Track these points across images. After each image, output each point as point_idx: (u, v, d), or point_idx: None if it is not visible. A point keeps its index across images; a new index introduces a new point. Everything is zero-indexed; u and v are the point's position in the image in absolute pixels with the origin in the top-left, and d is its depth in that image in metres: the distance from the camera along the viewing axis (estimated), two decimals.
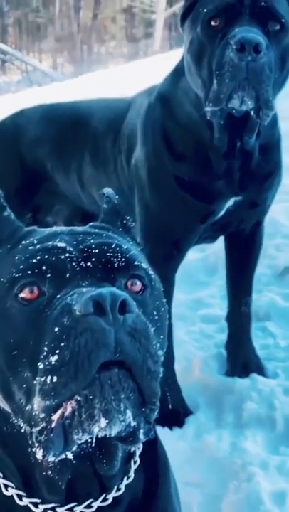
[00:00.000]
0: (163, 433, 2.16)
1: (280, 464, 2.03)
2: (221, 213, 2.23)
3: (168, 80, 2.27)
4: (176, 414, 2.28)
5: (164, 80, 2.30)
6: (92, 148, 2.52)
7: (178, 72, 2.18)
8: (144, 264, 1.02)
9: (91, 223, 1.15)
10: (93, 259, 0.97)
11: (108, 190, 1.23)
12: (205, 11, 1.96)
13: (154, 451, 1.16)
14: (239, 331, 2.55)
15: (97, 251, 0.98)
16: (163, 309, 1.04)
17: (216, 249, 3.07)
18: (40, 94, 11.22)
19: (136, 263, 1.00)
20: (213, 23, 1.94)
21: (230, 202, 2.21)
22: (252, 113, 1.92)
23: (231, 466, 2.02)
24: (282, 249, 3.29)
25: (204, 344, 2.74)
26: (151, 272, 1.03)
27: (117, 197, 1.22)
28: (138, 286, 0.99)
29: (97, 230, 1.08)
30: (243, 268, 2.51)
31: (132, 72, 12.11)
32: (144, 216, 2.27)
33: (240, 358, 2.53)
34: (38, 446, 0.88)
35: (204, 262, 3.33)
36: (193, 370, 2.54)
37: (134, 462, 1.07)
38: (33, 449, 0.89)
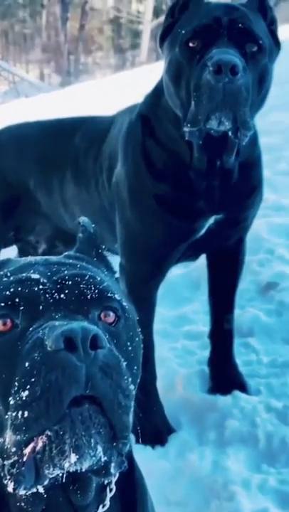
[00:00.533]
0: (145, 452, 2.17)
1: (261, 482, 2.03)
2: (202, 232, 2.24)
3: (148, 99, 2.28)
4: (158, 433, 2.28)
5: (145, 99, 2.32)
6: (74, 166, 2.53)
7: (158, 92, 2.20)
8: (118, 296, 1.03)
9: (66, 253, 1.16)
10: (66, 291, 0.98)
11: (84, 219, 1.24)
12: (183, 32, 1.99)
13: (130, 478, 1.16)
14: (222, 348, 2.55)
15: (70, 282, 0.99)
16: (137, 339, 1.05)
17: (199, 265, 3.08)
18: (28, 106, 11.26)
19: (109, 295, 1.01)
20: (191, 45, 1.96)
21: (211, 220, 2.22)
22: (230, 133, 1.94)
23: (213, 485, 2.02)
24: (265, 264, 3.31)
25: (187, 361, 2.75)
26: (124, 303, 1.04)
27: (92, 225, 1.23)
28: (111, 317, 1.00)
29: (71, 261, 1.09)
30: (226, 285, 2.52)
31: (118, 83, 12.15)
32: (125, 235, 2.28)
33: (223, 375, 2.53)
34: (9, 479, 0.88)
35: (187, 277, 3.34)
36: (176, 387, 2.54)
37: (110, 490, 1.07)
38: (5, 482, 0.89)
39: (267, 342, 2.84)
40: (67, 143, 2.57)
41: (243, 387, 2.51)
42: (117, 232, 2.31)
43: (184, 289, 3.33)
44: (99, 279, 1.03)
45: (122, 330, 1.01)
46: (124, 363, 0.93)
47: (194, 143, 2.05)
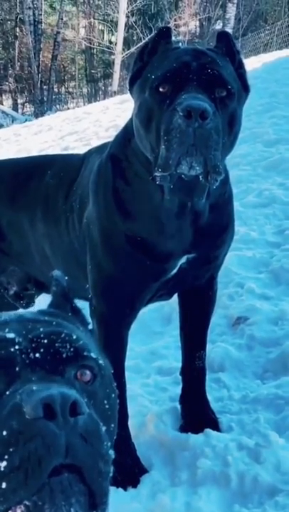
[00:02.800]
0: (117, 494, 2.14)
1: None
2: (174, 271, 2.25)
3: (118, 140, 2.30)
4: (131, 475, 2.25)
5: (115, 139, 2.33)
6: (44, 205, 2.53)
7: (127, 132, 2.21)
8: (94, 353, 1.03)
9: (41, 309, 1.16)
10: (42, 350, 0.98)
11: (57, 273, 1.25)
12: (153, 77, 2.01)
13: None
14: (193, 385, 2.55)
15: (46, 341, 0.99)
16: (113, 395, 1.06)
17: (171, 299, 3.09)
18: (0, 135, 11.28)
19: (85, 353, 1.01)
20: (161, 89, 1.98)
21: (183, 260, 2.23)
22: (200, 177, 1.96)
23: None
24: (235, 298, 3.34)
25: (159, 398, 2.74)
26: (101, 361, 1.04)
27: (66, 278, 1.24)
28: (88, 376, 1.00)
29: (46, 318, 1.09)
30: (197, 323, 2.52)
31: (90, 112, 12.24)
32: (97, 275, 2.28)
33: (195, 413, 2.53)
34: None
35: (159, 312, 3.35)
36: (148, 425, 2.53)
37: None
38: None
39: (238, 377, 2.85)
40: (38, 182, 2.57)
41: (215, 425, 2.50)
42: (88, 272, 2.31)
43: (155, 323, 3.34)
44: (74, 337, 1.02)
45: (99, 388, 1.01)
46: (104, 428, 0.92)
47: (165, 186, 2.06)
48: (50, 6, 33.55)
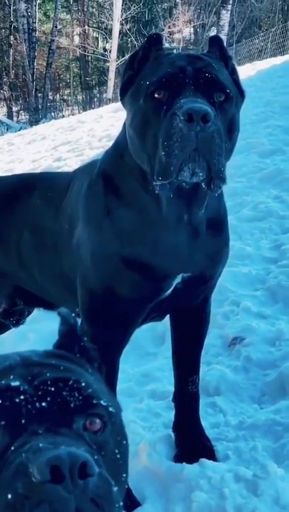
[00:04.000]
0: None
1: None
2: (169, 291, 2.15)
3: (109, 156, 2.20)
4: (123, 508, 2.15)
5: (105, 156, 2.23)
6: (32, 225, 2.44)
7: (119, 147, 2.12)
8: (104, 401, 0.97)
9: (48, 350, 1.10)
10: (49, 399, 0.92)
11: (64, 311, 1.19)
12: (147, 83, 1.92)
13: None
14: (187, 412, 2.45)
15: (53, 389, 0.93)
16: (125, 443, 1.00)
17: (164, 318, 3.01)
18: None
19: (94, 401, 0.95)
20: (156, 95, 1.89)
21: (178, 279, 2.13)
22: (203, 184, 1.86)
23: None
24: (231, 317, 3.24)
25: (152, 424, 2.64)
26: (111, 408, 0.98)
27: (73, 315, 1.18)
28: (97, 425, 0.94)
29: (53, 361, 1.02)
30: (190, 346, 2.43)
31: (84, 121, 12.18)
32: (88, 298, 2.18)
33: (189, 441, 2.43)
34: None
35: (152, 331, 3.25)
36: (140, 455, 2.42)
37: None
38: None
39: (234, 401, 2.75)
40: (24, 202, 2.48)
41: (211, 454, 2.41)
42: (78, 296, 2.21)
43: (148, 343, 3.24)
44: (83, 384, 0.96)
45: (109, 436, 0.96)
46: (115, 486, 0.86)
47: (163, 197, 1.97)
48: (45, 14, 33.63)
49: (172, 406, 2.54)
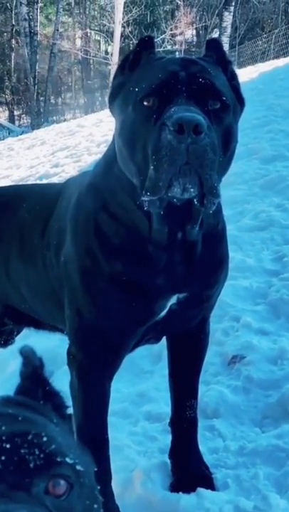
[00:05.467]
0: None
1: None
2: (163, 313, 2.01)
3: (99, 168, 2.06)
4: None
5: (95, 168, 2.10)
6: (20, 240, 2.32)
7: (109, 159, 1.97)
8: (70, 458, 0.83)
9: (6, 396, 0.95)
10: (3, 458, 0.78)
11: (26, 350, 1.04)
12: (137, 89, 1.76)
13: None
14: (184, 438, 2.33)
15: (8, 445, 0.79)
16: (96, 507, 0.86)
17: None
18: None
19: (58, 459, 0.82)
20: (146, 103, 1.73)
21: (173, 300, 1.99)
22: (195, 201, 1.71)
23: None
24: (231, 333, 3.10)
25: (147, 448, 2.51)
26: (79, 467, 0.84)
27: (38, 356, 1.03)
28: (62, 488, 0.81)
29: (11, 411, 0.88)
30: (188, 369, 2.30)
31: (84, 125, 12.10)
32: (76, 320, 2.05)
33: (186, 469, 2.30)
34: None
35: (148, 349, 3.10)
36: (134, 483, 2.30)
37: None
38: None
39: (234, 424, 2.62)
40: (12, 215, 2.37)
41: (209, 482, 2.28)
42: (66, 317, 2.09)
43: (144, 361, 3.11)
44: (45, 438, 0.83)
45: (77, 501, 0.82)
46: None
47: (154, 213, 1.82)
48: (46, 18, 33.60)
49: (169, 429, 2.42)
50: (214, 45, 1.93)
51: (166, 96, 1.70)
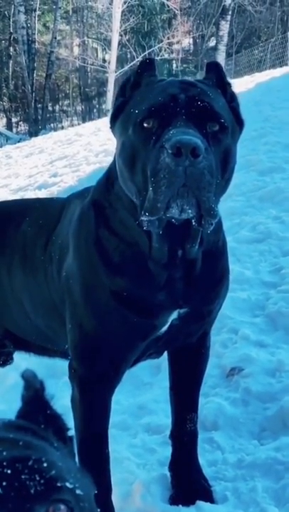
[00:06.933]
0: None
1: None
2: (165, 328, 2.04)
3: (101, 184, 2.09)
4: None
5: (97, 184, 2.13)
6: (22, 254, 2.34)
7: (111, 176, 2.00)
8: (70, 482, 0.84)
9: (7, 420, 0.96)
10: (4, 484, 0.79)
11: (28, 374, 1.05)
12: (137, 111, 1.80)
13: None
14: (184, 451, 2.35)
15: (9, 471, 0.80)
16: None
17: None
18: None
19: (59, 484, 0.82)
20: (146, 125, 1.76)
21: (174, 315, 2.02)
22: (193, 221, 1.74)
23: None
24: (229, 345, 3.13)
25: (147, 461, 2.53)
26: (79, 491, 0.85)
27: (40, 380, 1.05)
28: None
29: (12, 436, 0.89)
30: (189, 383, 2.32)
31: (82, 134, 12.12)
32: (78, 334, 2.07)
33: (186, 481, 2.32)
34: None
35: (148, 360, 3.14)
36: (134, 496, 2.31)
37: None
38: None
39: (233, 437, 2.64)
40: (15, 230, 2.39)
41: (208, 495, 2.30)
42: (68, 331, 2.11)
43: (143, 373, 3.12)
44: (45, 464, 0.83)
45: None
46: None
47: (153, 233, 1.85)
48: (44, 25, 33.63)
49: (168, 441, 2.44)
50: (214, 67, 1.96)
51: (165, 118, 1.74)
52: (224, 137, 1.79)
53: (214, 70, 1.96)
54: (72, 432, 1.05)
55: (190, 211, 1.69)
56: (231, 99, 1.94)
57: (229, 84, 1.96)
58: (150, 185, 1.69)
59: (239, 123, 1.93)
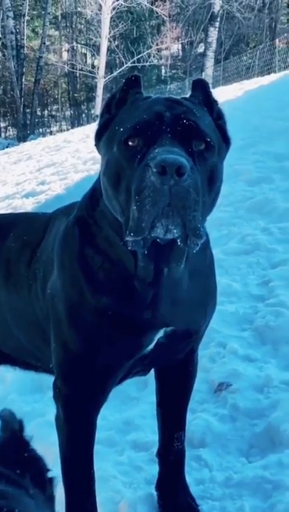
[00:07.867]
0: None
1: None
2: (151, 347, 2.00)
3: (86, 201, 2.06)
4: None
5: (82, 200, 2.10)
6: (6, 270, 2.31)
7: (96, 193, 1.97)
8: None
9: None
10: None
11: (5, 413, 1.01)
12: (122, 129, 1.77)
13: None
14: (171, 470, 2.32)
15: None
16: None
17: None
18: None
19: None
20: (130, 143, 1.73)
21: (160, 333, 1.99)
22: (178, 241, 1.70)
23: None
24: (217, 360, 3.10)
25: (133, 479, 2.50)
26: None
27: (18, 419, 1.01)
28: None
29: None
30: (176, 401, 2.29)
31: (71, 141, 12.08)
32: (62, 353, 2.03)
33: (172, 501, 2.29)
34: None
35: None
36: None
37: None
38: None
39: (221, 454, 2.61)
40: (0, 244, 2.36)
41: None
42: (52, 350, 2.07)
43: (130, 388, 3.08)
44: None
45: None
46: None
47: (138, 252, 1.82)
48: (33, 31, 33.63)
49: (155, 459, 2.41)
50: (200, 85, 1.93)
51: (150, 137, 1.71)
52: (210, 156, 1.76)
53: (201, 87, 1.93)
54: (52, 473, 1.01)
55: (175, 231, 1.65)
56: (218, 116, 1.92)
57: (216, 102, 1.94)
58: (134, 204, 1.66)
59: (226, 141, 1.91)
